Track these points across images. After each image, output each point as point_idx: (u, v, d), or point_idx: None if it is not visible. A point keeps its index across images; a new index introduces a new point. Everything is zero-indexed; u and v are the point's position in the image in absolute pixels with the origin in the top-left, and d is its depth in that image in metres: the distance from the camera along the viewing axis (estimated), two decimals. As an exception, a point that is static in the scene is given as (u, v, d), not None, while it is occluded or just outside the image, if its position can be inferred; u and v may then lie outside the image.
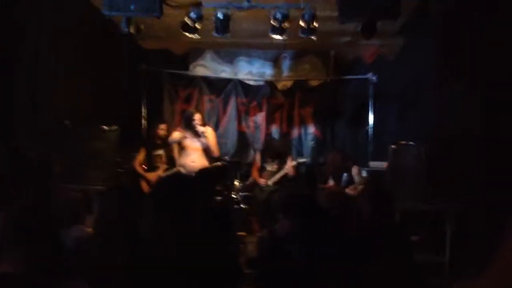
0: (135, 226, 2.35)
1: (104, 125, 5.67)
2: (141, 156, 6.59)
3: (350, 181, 6.14)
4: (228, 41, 7.01)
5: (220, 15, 5.37)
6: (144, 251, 2.03)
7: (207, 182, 3.69)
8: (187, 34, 5.71)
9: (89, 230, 2.99)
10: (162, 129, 6.62)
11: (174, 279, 1.88)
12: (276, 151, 6.64)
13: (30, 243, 1.87)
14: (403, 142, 5.58)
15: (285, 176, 6.47)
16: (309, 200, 2.60)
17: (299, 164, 6.68)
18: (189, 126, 6.31)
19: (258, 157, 6.81)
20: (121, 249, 2.25)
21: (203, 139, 6.22)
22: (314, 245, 2.37)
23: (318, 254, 2.36)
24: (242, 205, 6.65)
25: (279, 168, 6.49)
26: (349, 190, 5.77)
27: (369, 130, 7.24)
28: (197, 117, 6.36)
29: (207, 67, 7.99)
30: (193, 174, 5.06)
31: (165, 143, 6.57)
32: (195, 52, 7.98)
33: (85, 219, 3.19)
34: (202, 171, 3.99)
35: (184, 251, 1.96)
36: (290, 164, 6.47)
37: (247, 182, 6.88)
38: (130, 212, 2.64)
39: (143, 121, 7.41)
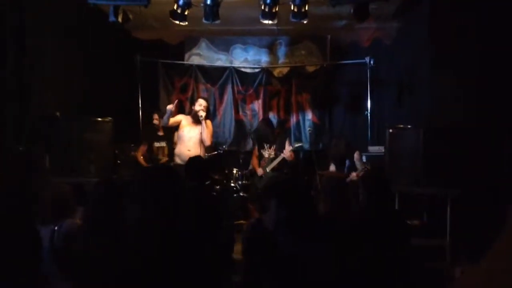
0: (123, 219, 2.30)
1: (98, 117, 5.58)
2: (144, 147, 6.54)
3: (352, 167, 6.07)
4: (222, 28, 6.91)
5: (208, 1, 5.26)
6: (130, 243, 1.98)
7: (197, 171, 3.62)
8: (176, 21, 5.61)
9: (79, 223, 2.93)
10: (155, 119, 6.53)
11: (159, 270, 1.83)
12: (267, 137, 6.51)
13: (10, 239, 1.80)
14: (400, 126, 5.50)
15: (283, 162, 6.38)
16: (295, 185, 2.53)
17: (295, 149, 6.59)
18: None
19: (256, 144, 6.71)
20: (108, 241, 2.20)
21: (200, 128, 6.00)
22: (302, 233, 2.31)
23: (305, 243, 2.30)
24: (241, 193, 6.60)
25: (276, 154, 6.40)
26: (351, 177, 5.70)
27: (368, 114, 7.14)
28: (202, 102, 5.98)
29: (203, 56, 7.94)
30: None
31: (166, 135, 6.52)
32: (190, 41, 7.91)
33: (75, 213, 3.13)
34: (192, 160, 3.91)
35: (169, 243, 1.91)
36: (287, 149, 6.37)
37: (246, 171, 6.81)
38: (121, 204, 2.57)
39: (140, 112, 7.33)
